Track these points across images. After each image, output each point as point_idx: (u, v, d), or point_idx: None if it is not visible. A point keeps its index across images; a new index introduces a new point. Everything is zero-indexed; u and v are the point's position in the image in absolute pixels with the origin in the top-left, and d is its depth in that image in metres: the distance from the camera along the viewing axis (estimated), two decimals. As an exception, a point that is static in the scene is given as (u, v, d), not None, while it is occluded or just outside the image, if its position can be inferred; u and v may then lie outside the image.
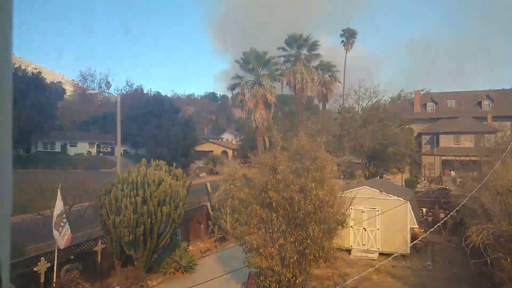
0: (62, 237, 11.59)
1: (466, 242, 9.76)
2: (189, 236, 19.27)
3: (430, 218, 22.32)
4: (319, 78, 50.43)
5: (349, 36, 63.16)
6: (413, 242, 15.42)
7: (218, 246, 19.13)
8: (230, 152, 68.97)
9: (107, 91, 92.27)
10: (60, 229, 11.65)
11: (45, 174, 39.73)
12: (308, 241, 10.86)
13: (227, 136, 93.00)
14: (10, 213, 0.80)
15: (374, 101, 52.94)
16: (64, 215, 12.06)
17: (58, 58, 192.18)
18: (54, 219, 11.77)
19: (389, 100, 64.93)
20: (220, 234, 20.03)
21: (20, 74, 45.94)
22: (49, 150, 59.94)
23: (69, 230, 11.95)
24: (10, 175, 0.77)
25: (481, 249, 9.56)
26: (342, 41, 63.59)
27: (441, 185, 34.37)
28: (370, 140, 35.99)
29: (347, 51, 64.49)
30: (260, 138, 40.66)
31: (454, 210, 10.35)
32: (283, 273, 11.00)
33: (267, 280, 11.39)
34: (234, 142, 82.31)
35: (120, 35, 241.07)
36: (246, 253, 11.98)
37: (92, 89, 76.32)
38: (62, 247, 11.73)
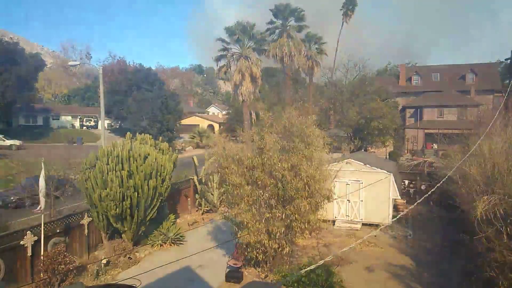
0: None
1: (450, 214, 10.06)
2: (176, 209, 19.40)
3: (411, 190, 22.94)
4: (306, 51, 49.83)
5: (349, 7, 61.33)
6: (395, 214, 15.89)
7: (205, 219, 19.36)
8: (216, 126, 68.68)
9: (89, 62, 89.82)
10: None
11: (27, 148, 38.99)
12: (296, 216, 11.09)
13: (213, 110, 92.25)
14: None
15: (362, 75, 52.96)
16: (47, 187, 11.97)
17: (36, 28, 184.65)
18: (40, 191, 11.68)
19: (376, 73, 65.07)
20: (207, 207, 20.22)
21: (-3, 45, 44.04)
22: (31, 124, 58.56)
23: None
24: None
25: (459, 219, 9.91)
26: (341, 10, 61.65)
27: (424, 157, 35.13)
28: (356, 114, 36.27)
29: (344, 22, 63.01)
30: (246, 111, 40.39)
31: (441, 182, 10.57)
32: (269, 245, 11.28)
33: (254, 251, 11.68)
34: (220, 116, 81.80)
35: (101, 4, 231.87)
36: (235, 229, 12.22)
37: (73, 60, 73.99)
38: (39, 210, 11.69)
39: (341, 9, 60.76)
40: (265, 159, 11.16)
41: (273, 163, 11.01)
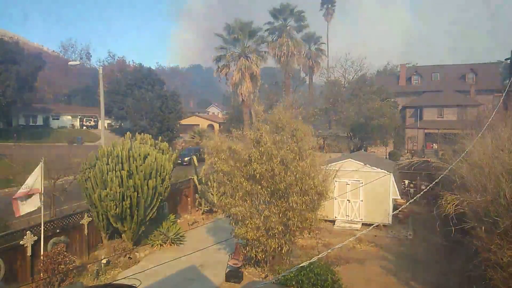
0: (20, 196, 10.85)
1: (438, 211, 10.13)
2: (176, 209, 19.43)
3: (412, 190, 22.93)
4: (306, 51, 49.91)
5: (328, 6, 61.71)
6: (394, 213, 15.90)
7: (205, 219, 19.38)
8: (216, 126, 68.72)
9: (89, 62, 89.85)
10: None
11: (27, 147, 39.03)
12: (291, 213, 11.07)
13: (213, 110, 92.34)
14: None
15: (360, 74, 53.00)
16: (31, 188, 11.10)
17: (36, 28, 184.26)
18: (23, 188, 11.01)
19: (376, 73, 65.15)
20: (207, 207, 20.24)
21: (-3, 44, 44.04)
22: (31, 124, 58.62)
23: (27, 188, 10.97)
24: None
25: (455, 219, 9.94)
26: (321, 10, 62.11)
27: (424, 157, 35.16)
28: (355, 114, 36.28)
29: (328, 22, 63.33)
30: (246, 111, 40.34)
31: (434, 182, 10.69)
32: (268, 244, 11.28)
33: (254, 250, 11.68)
34: (220, 115, 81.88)
35: (101, 4, 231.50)
36: (233, 225, 12.19)
37: (73, 60, 74.02)
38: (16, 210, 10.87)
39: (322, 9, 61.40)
40: (262, 150, 11.14)
41: (270, 156, 10.99)
